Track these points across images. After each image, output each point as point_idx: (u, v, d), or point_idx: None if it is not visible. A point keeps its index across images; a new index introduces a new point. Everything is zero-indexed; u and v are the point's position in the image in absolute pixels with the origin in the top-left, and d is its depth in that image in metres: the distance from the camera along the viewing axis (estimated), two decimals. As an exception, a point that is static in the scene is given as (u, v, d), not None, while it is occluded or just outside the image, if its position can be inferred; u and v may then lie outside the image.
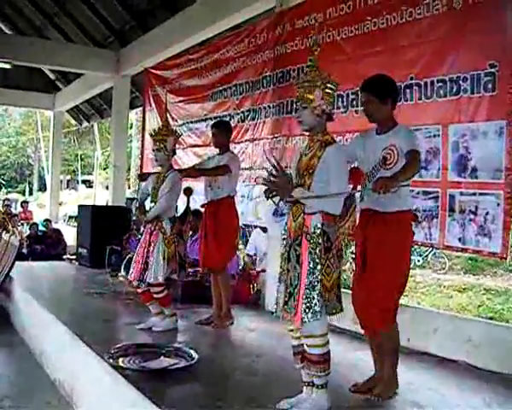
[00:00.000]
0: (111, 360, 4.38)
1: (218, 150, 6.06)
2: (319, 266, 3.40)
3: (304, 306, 3.38)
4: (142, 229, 5.69)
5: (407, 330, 5.41)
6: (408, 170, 3.65)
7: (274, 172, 3.45)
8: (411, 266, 14.51)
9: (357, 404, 3.89)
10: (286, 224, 3.62)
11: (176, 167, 6.09)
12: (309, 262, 3.41)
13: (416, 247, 13.56)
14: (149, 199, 5.62)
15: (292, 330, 3.63)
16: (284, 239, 3.62)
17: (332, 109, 3.66)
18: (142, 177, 5.96)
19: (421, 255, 15.36)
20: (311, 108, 3.51)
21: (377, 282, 3.82)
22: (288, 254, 3.53)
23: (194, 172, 5.93)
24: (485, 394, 4.22)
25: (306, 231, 3.44)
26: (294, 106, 6.34)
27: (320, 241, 3.41)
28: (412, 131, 4.12)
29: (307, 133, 3.72)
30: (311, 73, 3.60)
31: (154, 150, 5.53)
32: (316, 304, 3.38)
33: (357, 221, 3.83)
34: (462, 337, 5.03)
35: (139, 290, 5.48)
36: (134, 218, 5.54)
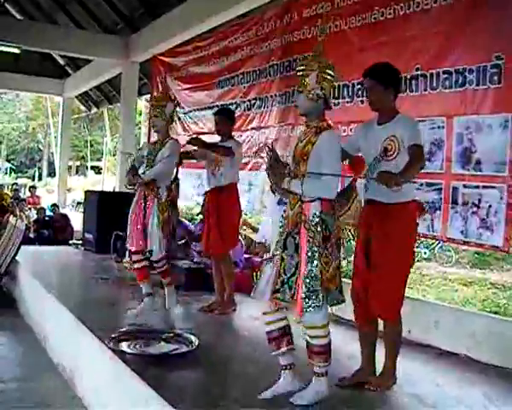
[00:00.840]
0: (112, 345, 4.40)
1: (219, 138, 6.06)
2: (317, 256, 3.37)
3: (304, 295, 3.36)
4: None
5: (408, 321, 5.39)
6: (412, 169, 3.61)
7: (269, 162, 3.46)
8: (417, 258, 14.50)
9: (356, 395, 3.89)
10: (284, 212, 3.60)
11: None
12: (307, 251, 3.39)
13: (422, 239, 13.60)
14: (143, 166, 5.53)
15: (266, 314, 3.59)
16: (281, 227, 3.58)
17: (330, 96, 3.61)
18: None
19: (427, 248, 15.32)
20: (306, 92, 3.48)
21: (387, 273, 3.81)
22: (285, 242, 3.50)
23: (199, 142, 5.84)
24: (485, 388, 4.21)
25: (305, 220, 3.41)
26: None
27: (319, 229, 3.39)
28: (414, 121, 4.07)
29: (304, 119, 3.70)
30: (309, 57, 3.57)
31: (151, 117, 5.51)
32: (317, 294, 3.36)
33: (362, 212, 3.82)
34: (463, 331, 5.02)
35: (136, 266, 5.46)
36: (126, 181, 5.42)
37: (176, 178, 5.65)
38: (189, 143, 5.80)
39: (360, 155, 4.05)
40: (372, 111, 4.01)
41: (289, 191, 3.49)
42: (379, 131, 3.85)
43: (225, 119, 6.05)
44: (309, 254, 3.38)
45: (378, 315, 3.99)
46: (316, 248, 3.37)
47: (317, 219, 3.40)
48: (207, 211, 5.95)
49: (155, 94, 5.61)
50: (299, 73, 3.56)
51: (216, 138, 6.15)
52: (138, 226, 5.39)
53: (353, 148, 4.06)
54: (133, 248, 5.50)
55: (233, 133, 6.14)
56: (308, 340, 3.52)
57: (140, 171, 5.46)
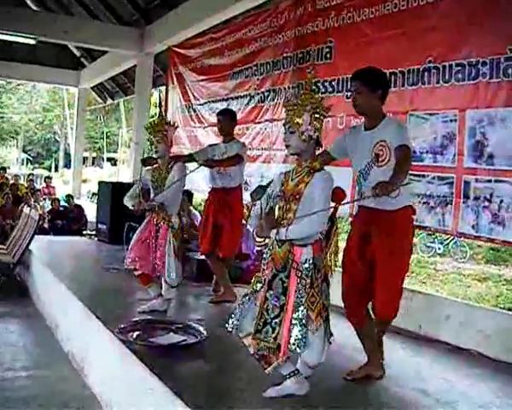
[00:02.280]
0: (121, 335, 4.42)
1: (221, 138, 6.17)
2: (304, 300, 3.30)
3: (292, 339, 3.29)
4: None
5: (419, 316, 5.42)
6: (401, 171, 3.59)
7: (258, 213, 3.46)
8: (432, 253, 14.48)
9: (363, 388, 3.88)
10: (270, 247, 3.48)
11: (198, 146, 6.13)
12: (296, 296, 3.32)
13: (437, 234, 13.54)
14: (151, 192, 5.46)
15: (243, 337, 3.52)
16: (266, 263, 3.48)
17: (320, 136, 3.50)
18: (146, 162, 5.89)
19: (442, 243, 15.27)
20: (299, 132, 3.38)
21: (393, 277, 3.85)
22: (270, 283, 3.40)
23: (211, 162, 5.87)
24: (494, 384, 4.19)
25: (296, 267, 3.35)
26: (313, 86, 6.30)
27: (309, 274, 3.34)
28: (402, 123, 4.14)
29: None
30: (301, 96, 3.44)
31: (153, 143, 5.39)
32: (306, 339, 3.30)
33: (353, 218, 3.95)
34: (474, 326, 4.98)
35: (136, 273, 5.44)
36: (134, 205, 5.32)
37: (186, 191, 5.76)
38: (202, 165, 5.80)
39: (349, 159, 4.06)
40: (358, 115, 3.99)
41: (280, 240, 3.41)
42: (367, 137, 3.83)
43: (228, 119, 6.15)
44: (297, 300, 3.31)
45: (377, 316, 4.00)
46: (304, 294, 3.31)
47: (308, 265, 3.35)
48: (214, 210, 6.01)
49: (154, 120, 5.47)
50: (289, 112, 3.44)
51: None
52: (150, 253, 5.31)
53: (340, 153, 4.09)
54: (139, 272, 5.41)
55: (247, 125, 6.17)
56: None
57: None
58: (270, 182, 3.82)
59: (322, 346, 3.39)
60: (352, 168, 4.07)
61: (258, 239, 3.51)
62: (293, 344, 3.27)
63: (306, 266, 3.35)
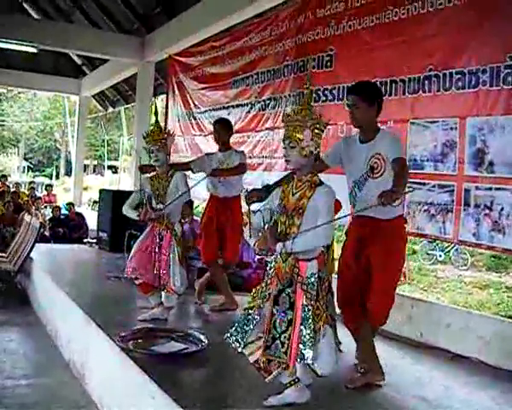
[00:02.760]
0: (121, 343, 4.41)
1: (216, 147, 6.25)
2: (311, 313, 3.30)
3: (302, 353, 3.28)
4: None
5: (420, 324, 5.42)
6: (401, 181, 3.67)
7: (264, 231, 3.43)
8: (433, 261, 14.47)
9: (363, 396, 3.88)
10: (273, 262, 3.49)
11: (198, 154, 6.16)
12: (303, 311, 3.32)
13: (438, 242, 13.53)
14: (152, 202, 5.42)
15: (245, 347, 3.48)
16: (270, 278, 3.47)
17: (320, 150, 3.53)
18: (143, 169, 5.88)
19: (442, 251, 15.25)
20: (300, 148, 3.36)
21: (387, 283, 3.94)
22: (276, 299, 3.40)
23: (218, 172, 5.90)
24: (494, 392, 4.19)
25: (302, 281, 3.35)
26: (314, 95, 6.34)
27: (315, 288, 3.34)
28: (397, 136, 4.17)
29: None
30: (301, 111, 3.42)
31: (152, 151, 5.37)
32: (314, 349, 3.27)
33: (348, 226, 4.00)
34: (475, 334, 4.98)
35: (137, 282, 5.43)
36: (139, 214, 5.29)
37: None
38: (211, 175, 5.85)
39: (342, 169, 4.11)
40: (355, 128, 4.04)
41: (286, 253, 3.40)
42: (364, 149, 3.88)
43: (225, 128, 6.19)
44: (304, 314, 3.31)
45: (372, 322, 4.06)
46: (310, 307, 3.31)
47: (313, 279, 3.35)
48: (218, 219, 6.05)
49: (153, 128, 5.43)
50: (289, 127, 3.42)
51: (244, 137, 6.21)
52: (153, 263, 5.27)
53: (334, 161, 4.13)
54: (140, 281, 5.37)
55: (248, 133, 6.20)
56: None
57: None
58: (267, 185, 3.89)
59: (332, 355, 3.38)
60: (346, 178, 4.09)
61: (258, 253, 3.50)
62: (303, 357, 3.26)
63: (312, 280, 3.34)
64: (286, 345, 3.33)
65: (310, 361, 3.26)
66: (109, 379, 4.53)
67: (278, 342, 3.35)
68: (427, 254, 15.53)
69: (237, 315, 3.50)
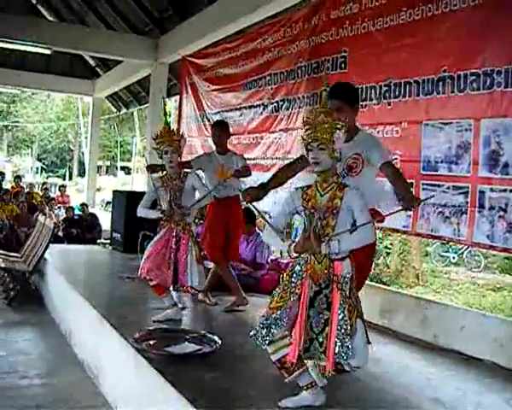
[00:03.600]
0: (136, 344, 4.43)
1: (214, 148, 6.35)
2: (346, 311, 3.31)
3: (340, 350, 3.27)
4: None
5: (434, 326, 5.41)
6: (406, 183, 3.82)
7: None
8: (446, 263, 14.43)
9: (377, 397, 3.88)
10: (301, 263, 3.43)
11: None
12: (339, 309, 3.32)
13: (451, 244, 13.47)
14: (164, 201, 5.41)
15: (269, 344, 3.46)
16: (300, 279, 3.42)
17: None
18: (152, 168, 5.89)
19: (456, 253, 15.21)
20: (330, 150, 3.35)
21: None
22: (312, 300, 3.38)
23: (240, 174, 5.96)
24: (508, 393, 4.17)
25: (337, 280, 3.35)
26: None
27: (350, 286, 3.37)
28: (376, 137, 4.31)
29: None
30: (327, 114, 3.38)
31: (167, 152, 5.36)
32: (351, 346, 3.29)
33: None
34: (489, 336, 4.95)
35: (151, 283, 5.40)
36: (165, 212, 5.29)
37: None
38: (234, 176, 5.87)
39: None
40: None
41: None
42: (343, 149, 3.73)
43: (225, 131, 6.30)
44: (340, 312, 3.32)
45: None
46: (346, 305, 3.32)
47: (347, 278, 3.37)
48: (223, 219, 6.10)
49: (167, 129, 5.41)
50: (317, 129, 3.37)
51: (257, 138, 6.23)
52: (169, 263, 5.24)
53: None
54: (154, 282, 5.34)
55: (261, 134, 6.25)
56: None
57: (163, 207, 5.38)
58: (262, 183, 3.93)
59: (365, 348, 3.41)
60: None
61: (294, 255, 3.47)
62: (342, 355, 3.27)
63: (346, 278, 3.36)
64: (324, 345, 3.33)
65: (347, 358, 3.28)
66: (123, 380, 4.55)
67: (316, 342, 3.35)
68: (441, 255, 15.49)
69: (261, 315, 3.45)
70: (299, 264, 3.42)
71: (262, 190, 3.98)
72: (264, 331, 3.38)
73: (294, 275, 3.42)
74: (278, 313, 3.38)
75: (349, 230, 3.32)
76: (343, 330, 3.28)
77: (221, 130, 6.27)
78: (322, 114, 3.38)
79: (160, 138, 5.31)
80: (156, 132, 5.42)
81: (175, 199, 5.29)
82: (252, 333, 3.41)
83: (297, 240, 3.38)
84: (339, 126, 3.37)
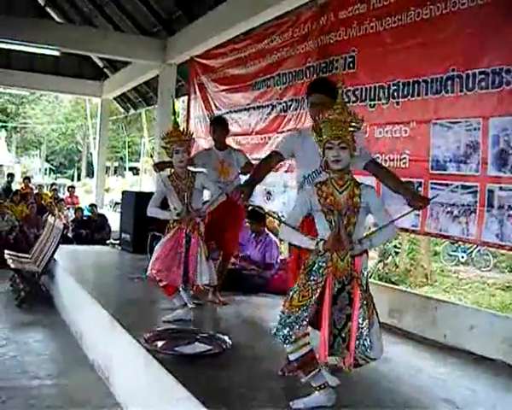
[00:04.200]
0: (146, 344, 4.45)
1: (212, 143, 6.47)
2: (365, 307, 3.35)
3: (361, 344, 3.31)
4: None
5: (444, 326, 5.40)
6: (399, 180, 3.85)
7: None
8: (455, 262, 14.36)
9: (387, 397, 3.89)
10: (321, 261, 3.41)
11: None
12: (360, 306, 3.35)
13: (460, 243, 13.44)
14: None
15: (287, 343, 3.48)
16: (322, 277, 3.40)
17: None
18: (160, 167, 5.89)
19: (465, 252, 15.16)
20: (351, 149, 3.38)
21: None
22: (335, 297, 3.38)
23: (248, 169, 5.96)
24: (520, 393, 4.16)
25: (357, 276, 3.37)
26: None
27: (366, 281, 3.43)
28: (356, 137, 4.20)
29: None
30: (345, 112, 3.41)
31: (178, 151, 5.25)
32: (371, 339, 3.33)
33: None
34: (499, 335, 4.94)
35: (161, 284, 5.39)
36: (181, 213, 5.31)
37: None
38: (243, 173, 5.88)
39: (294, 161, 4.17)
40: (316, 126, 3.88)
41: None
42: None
43: (224, 127, 6.41)
44: (360, 307, 3.35)
45: None
46: (364, 300, 3.35)
47: (365, 272, 3.44)
48: (218, 216, 6.02)
49: (175, 128, 5.41)
50: (339, 128, 3.38)
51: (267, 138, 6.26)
52: (180, 263, 5.23)
53: (289, 154, 4.19)
54: (165, 283, 5.36)
55: (270, 135, 6.27)
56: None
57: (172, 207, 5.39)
58: (247, 181, 3.96)
59: (380, 341, 3.45)
60: (297, 172, 4.25)
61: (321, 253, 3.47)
62: (362, 349, 3.32)
63: (364, 273, 3.42)
64: (347, 340, 3.35)
65: (367, 351, 3.33)
66: (133, 380, 4.56)
67: (339, 338, 3.36)
68: (450, 255, 15.45)
69: (281, 312, 3.43)
70: (317, 262, 3.41)
71: (250, 188, 3.92)
72: (286, 330, 3.37)
73: (314, 273, 3.40)
74: (300, 311, 3.37)
75: (380, 227, 3.37)
76: (364, 325, 3.31)
77: (220, 126, 6.34)
78: (341, 111, 3.41)
79: (171, 138, 5.30)
80: (166, 131, 5.43)
81: (186, 199, 5.27)
82: (273, 331, 3.41)
83: (326, 237, 3.36)
84: (359, 125, 3.40)
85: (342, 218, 3.35)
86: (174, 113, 5.76)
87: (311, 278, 3.40)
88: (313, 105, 4.08)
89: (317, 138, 3.47)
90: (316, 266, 3.40)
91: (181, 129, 5.45)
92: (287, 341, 3.38)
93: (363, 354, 3.37)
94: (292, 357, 3.46)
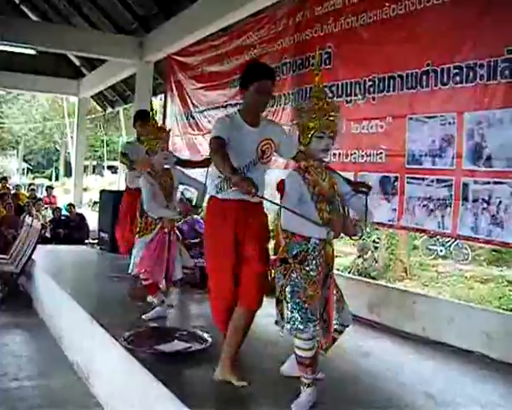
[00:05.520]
0: (126, 343, 4.44)
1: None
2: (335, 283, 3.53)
3: (335, 320, 3.47)
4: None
5: (422, 319, 5.44)
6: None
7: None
8: (433, 256, 14.42)
9: (367, 394, 3.91)
10: (311, 248, 3.43)
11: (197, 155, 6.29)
12: (335, 285, 3.52)
13: (438, 237, 13.53)
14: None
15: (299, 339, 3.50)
16: (318, 265, 3.44)
17: None
18: (144, 166, 5.85)
19: (443, 245, 15.25)
20: (334, 136, 3.45)
21: None
22: (324, 282, 3.46)
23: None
24: (500, 386, 4.21)
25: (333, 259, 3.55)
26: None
27: None
28: (280, 124, 4.38)
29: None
30: (329, 103, 3.49)
31: (163, 149, 5.29)
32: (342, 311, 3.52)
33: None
34: (478, 328, 4.99)
35: (146, 283, 5.39)
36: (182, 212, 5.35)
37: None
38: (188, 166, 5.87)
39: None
40: (262, 113, 3.91)
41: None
42: (254, 134, 3.80)
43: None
44: (334, 287, 3.49)
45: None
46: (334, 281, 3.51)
47: None
48: None
49: (157, 126, 5.43)
50: (329, 118, 3.43)
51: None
52: (165, 261, 5.30)
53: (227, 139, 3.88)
54: (150, 281, 5.38)
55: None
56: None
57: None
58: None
59: (348, 308, 3.58)
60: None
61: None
62: (338, 322, 3.46)
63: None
64: (327, 322, 3.44)
65: (341, 323, 3.46)
66: (114, 380, 4.55)
67: (322, 321, 3.42)
68: (428, 249, 15.53)
69: (294, 305, 3.39)
70: (307, 250, 3.41)
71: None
72: (312, 327, 3.34)
73: (310, 262, 3.41)
74: (312, 305, 3.37)
75: (365, 212, 3.48)
76: (338, 301, 3.45)
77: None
78: (326, 101, 3.47)
79: (157, 135, 5.32)
80: (147, 130, 5.45)
81: (168, 196, 5.32)
82: (288, 326, 3.35)
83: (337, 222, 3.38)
84: (339, 115, 3.47)
85: (342, 203, 3.44)
86: (152, 109, 5.72)
87: (311, 267, 3.41)
88: (261, 92, 3.77)
89: (306, 125, 3.44)
90: (310, 256, 3.41)
91: (160, 127, 5.49)
92: (294, 332, 3.36)
93: (338, 326, 3.47)
94: (301, 354, 3.42)
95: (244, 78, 3.86)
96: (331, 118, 3.42)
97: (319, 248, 3.41)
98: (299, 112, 3.56)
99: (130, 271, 5.41)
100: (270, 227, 3.99)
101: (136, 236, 5.46)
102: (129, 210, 6.57)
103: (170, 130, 5.58)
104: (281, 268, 3.46)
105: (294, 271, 3.41)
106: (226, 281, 3.82)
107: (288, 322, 3.34)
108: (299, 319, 3.31)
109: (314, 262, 3.41)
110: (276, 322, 3.51)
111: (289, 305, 3.36)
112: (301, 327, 3.30)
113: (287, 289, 3.40)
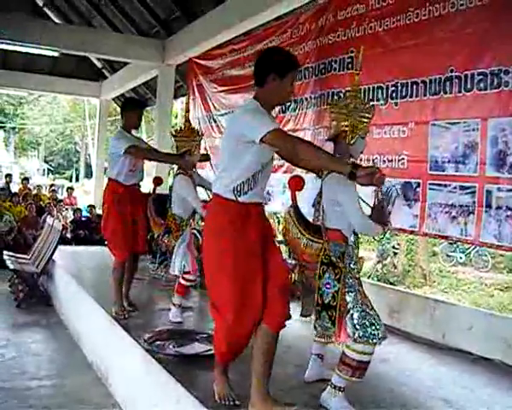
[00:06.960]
0: (145, 345, 4.45)
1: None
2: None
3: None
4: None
5: (442, 326, 5.41)
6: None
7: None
8: (453, 263, 14.31)
9: (387, 397, 3.89)
10: (353, 252, 3.53)
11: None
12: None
13: (458, 244, 13.45)
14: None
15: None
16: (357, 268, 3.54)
17: None
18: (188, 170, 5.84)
19: (463, 252, 15.16)
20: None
21: None
22: (340, 278, 3.50)
23: None
24: (518, 393, 4.17)
25: None
26: (336, 97, 6.40)
27: None
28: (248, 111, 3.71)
29: None
30: (365, 104, 3.61)
31: (189, 149, 5.43)
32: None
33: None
34: (498, 336, 4.96)
35: (188, 284, 5.43)
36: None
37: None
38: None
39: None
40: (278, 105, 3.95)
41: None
42: None
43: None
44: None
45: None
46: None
47: None
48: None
49: (191, 127, 5.50)
50: (364, 120, 3.55)
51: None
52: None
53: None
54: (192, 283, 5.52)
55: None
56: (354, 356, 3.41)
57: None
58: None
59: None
60: (251, 160, 3.26)
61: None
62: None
63: None
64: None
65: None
66: (133, 381, 4.56)
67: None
68: (448, 255, 15.45)
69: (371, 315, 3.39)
70: (344, 251, 3.49)
71: None
72: (382, 329, 3.36)
73: (351, 259, 3.50)
74: (364, 303, 3.41)
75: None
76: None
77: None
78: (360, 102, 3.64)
79: (192, 137, 5.47)
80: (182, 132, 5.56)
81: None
82: (381, 335, 3.34)
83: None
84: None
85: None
86: (187, 111, 5.82)
87: (353, 266, 3.49)
88: (293, 84, 3.41)
89: (354, 125, 3.53)
90: (348, 254, 3.49)
91: (190, 127, 5.59)
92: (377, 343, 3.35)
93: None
94: (370, 357, 3.39)
95: (283, 64, 3.29)
96: (364, 121, 3.48)
97: (353, 248, 3.49)
98: (346, 110, 3.59)
99: (177, 271, 5.31)
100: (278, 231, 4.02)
101: (169, 236, 5.49)
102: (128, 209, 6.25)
103: (203, 133, 5.66)
104: (330, 272, 3.49)
105: (348, 276, 3.46)
106: (256, 295, 3.33)
107: (358, 329, 3.30)
108: (370, 325, 3.31)
109: (354, 264, 3.48)
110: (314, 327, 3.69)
111: (355, 313, 3.35)
112: (374, 333, 3.30)
113: (347, 298, 3.41)
